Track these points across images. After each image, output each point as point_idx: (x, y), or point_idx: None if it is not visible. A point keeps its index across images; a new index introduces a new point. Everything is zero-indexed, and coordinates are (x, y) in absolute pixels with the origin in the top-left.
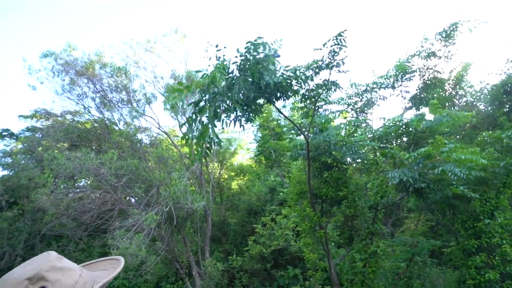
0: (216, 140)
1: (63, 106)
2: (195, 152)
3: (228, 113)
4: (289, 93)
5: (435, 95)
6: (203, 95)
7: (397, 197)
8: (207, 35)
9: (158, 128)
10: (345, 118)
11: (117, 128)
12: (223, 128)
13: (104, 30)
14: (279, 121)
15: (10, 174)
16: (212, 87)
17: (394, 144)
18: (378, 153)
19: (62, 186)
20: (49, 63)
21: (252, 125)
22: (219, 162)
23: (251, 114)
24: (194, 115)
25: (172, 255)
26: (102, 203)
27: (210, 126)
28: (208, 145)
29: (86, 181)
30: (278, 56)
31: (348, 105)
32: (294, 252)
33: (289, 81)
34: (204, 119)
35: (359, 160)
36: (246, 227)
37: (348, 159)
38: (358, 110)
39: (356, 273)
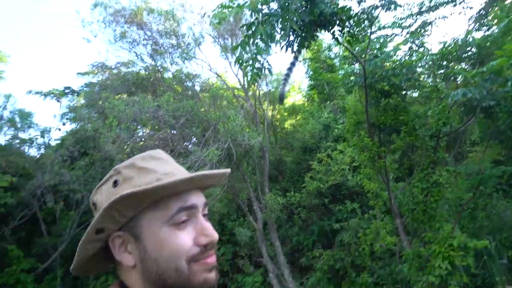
0: (268, 65)
1: (117, 56)
2: (250, 75)
3: (282, 37)
4: (346, 21)
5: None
6: (256, 16)
7: (461, 123)
8: None
9: (210, 70)
10: (401, 44)
11: (170, 73)
12: (275, 53)
13: None
14: (330, 53)
15: (78, 127)
16: (264, 8)
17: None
18: (438, 79)
19: (124, 132)
20: (100, 14)
21: (303, 59)
22: (271, 103)
23: (305, 40)
24: (246, 38)
25: (233, 191)
26: (163, 145)
27: (263, 48)
28: (258, 70)
29: (146, 126)
30: None
31: (403, 28)
32: (352, 187)
33: (347, 9)
34: (258, 41)
35: (418, 86)
36: (302, 164)
37: (407, 85)
38: (414, 33)
39: (417, 203)
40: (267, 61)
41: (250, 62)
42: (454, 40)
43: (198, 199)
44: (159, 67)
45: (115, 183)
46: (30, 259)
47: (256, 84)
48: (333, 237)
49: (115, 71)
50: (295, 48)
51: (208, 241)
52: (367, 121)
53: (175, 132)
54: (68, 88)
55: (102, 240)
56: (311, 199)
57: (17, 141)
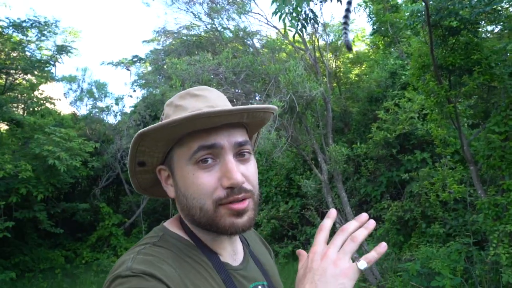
0: (312, 15)
1: (175, 18)
2: (289, 28)
3: None
4: None
5: None
6: None
7: None
8: None
9: (267, 24)
10: None
11: (228, 31)
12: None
13: None
14: None
15: (147, 93)
16: None
17: None
18: None
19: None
20: None
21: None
22: (333, 54)
23: None
24: None
25: (297, 143)
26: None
27: None
28: (303, 22)
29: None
30: None
31: None
32: (421, 136)
33: None
34: None
35: (494, 17)
36: (368, 115)
37: (480, 17)
38: None
39: (493, 148)
40: (311, 10)
41: (291, 13)
42: None
43: (226, 137)
44: (217, 26)
45: (159, 120)
46: (118, 215)
47: (299, 34)
48: (402, 188)
49: (176, 36)
50: None
51: (229, 184)
52: (433, 63)
53: (238, 90)
54: (136, 56)
55: (150, 172)
56: (378, 150)
57: (96, 110)
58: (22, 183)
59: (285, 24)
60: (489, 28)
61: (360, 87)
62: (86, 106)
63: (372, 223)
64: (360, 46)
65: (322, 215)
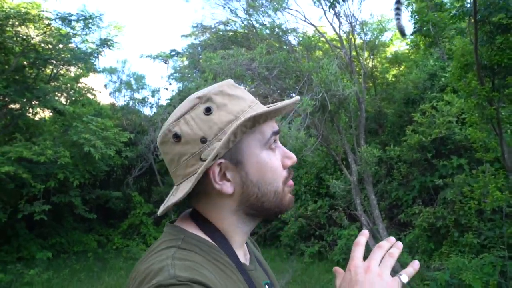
0: None
1: (212, 13)
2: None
3: None
4: None
5: None
6: None
7: None
8: None
9: (304, 21)
10: None
11: (264, 28)
12: None
13: None
14: None
15: (182, 86)
16: None
17: None
18: None
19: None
20: None
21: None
22: (370, 51)
23: None
24: None
25: (327, 143)
26: (258, 95)
27: None
28: None
29: (243, 81)
30: None
31: None
32: (459, 141)
33: None
34: None
35: None
36: (404, 117)
37: None
38: None
39: None
40: None
41: None
42: None
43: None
44: (253, 22)
45: (208, 111)
46: (149, 204)
47: (335, 4)
48: (435, 193)
49: (214, 30)
50: None
51: (292, 162)
52: (477, 61)
53: (271, 86)
54: (174, 50)
55: None
56: (412, 154)
57: (133, 101)
58: (61, 169)
59: None
60: None
61: (397, 88)
62: (124, 97)
63: (400, 245)
64: (400, 46)
65: (350, 217)
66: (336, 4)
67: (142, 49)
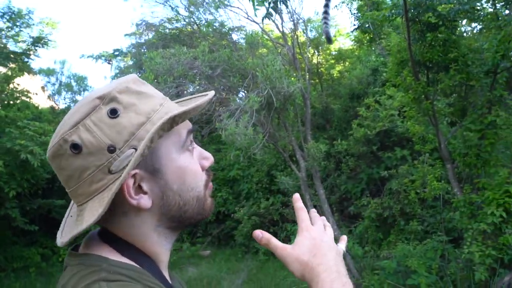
0: None
1: (153, 12)
2: (257, 7)
3: None
4: None
5: None
6: None
7: None
8: None
9: (247, 18)
10: None
11: (206, 26)
12: None
13: None
14: None
15: None
16: None
17: None
18: (498, 4)
19: (163, 83)
20: None
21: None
22: (314, 48)
23: None
24: None
25: (275, 140)
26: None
27: None
28: (274, 4)
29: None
30: None
31: None
32: (401, 133)
33: None
34: None
35: (472, 15)
36: (349, 112)
37: (458, 15)
38: None
39: (470, 146)
40: None
41: None
42: None
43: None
44: (195, 19)
45: (114, 113)
46: None
47: (268, 17)
48: (382, 185)
49: (158, 28)
50: None
51: (210, 163)
52: (411, 58)
53: (215, 85)
54: (117, 49)
55: None
56: (359, 147)
57: (75, 103)
58: None
59: (253, 2)
60: (468, 27)
61: (342, 84)
62: (65, 99)
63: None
64: (344, 43)
65: None
66: (278, 4)
67: (83, 49)
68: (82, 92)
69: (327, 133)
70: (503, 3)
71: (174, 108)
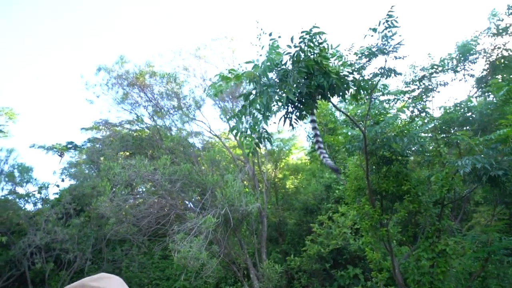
0: (266, 135)
1: (118, 117)
2: (245, 147)
3: (280, 108)
4: (345, 91)
5: (505, 76)
6: (254, 86)
7: (465, 190)
8: (258, 26)
9: (210, 132)
10: (402, 108)
11: (169, 134)
12: (274, 123)
13: (153, 40)
14: (331, 116)
15: (76, 183)
16: (263, 78)
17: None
18: (441, 144)
19: (120, 194)
20: (103, 78)
21: (304, 123)
22: (273, 162)
23: (303, 112)
24: (243, 108)
25: (229, 258)
26: (159, 208)
27: (261, 119)
28: (257, 141)
29: (143, 188)
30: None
31: (404, 93)
32: (354, 251)
33: (345, 81)
34: (255, 111)
35: (420, 152)
36: (303, 226)
37: (409, 151)
38: (415, 98)
39: (423, 273)
40: (266, 131)
41: (248, 132)
42: (455, 105)
43: None
44: (159, 128)
45: None
46: None
47: (253, 153)
48: None
49: (118, 128)
50: (293, 120)
51: None
52: (368, 188)
53: (171, 197)
54: (71, 143)
55: None
56: (311, 264)
57: (14, 196)
58: None
59: (242, 142)
60: (415, 159)
61: (297, 198)
62: (3, 190)
63: None
64: (298, 154)
65: None
66: (262, 141)
67: (36, 139)
68: (25, 184)
69: (280, 246)
70: (444, 144)
71: None
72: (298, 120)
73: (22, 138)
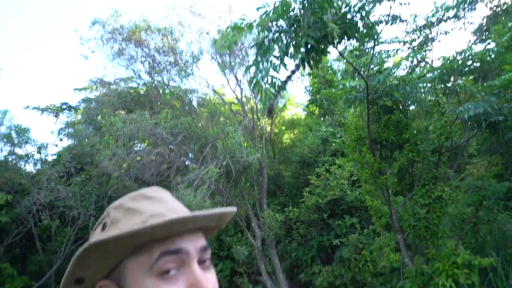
0: (280, 83)
1: (115, 73)
2: (265, 95)
3: (297, 53)
4: (354, 34)
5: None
6: (266, 35)
7: (462, 138)
8: None
9: (207, 87)
10: (405, 58)
11: (168, 90)
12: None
13: None
14: (330, 68)
15: (75, 142)
16: (278, 22)
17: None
18: (440, 94)
19: (121, 149)
20: (98, 32)
21: (302, 75)
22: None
23: (317, 57)
24: (259, 57)
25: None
26: (160, 162)
27: (278, 65)
28: (274, 89)
29: (143, 143)
30: None
31: (405, 43)
32: (350, 202)
33: (355, 22)
34: (272, 58)
35: (420, 101)
36: (300, 179)
37: (410, 100)
38: (416, 48)
39: (419, 219)
40: (279, 80)
41: (266, 80)
42: (456, 54)
43: (191, 243)
44: (156, 84)
45: (104, 226)
46: (24, 276)
47: (271, 105)
48: (332, 252)
49: (114, 86)
50: (308, 64)
51: None
52: (369, 137)
53: (172, 147)
54: (66, 103)
55: None
56: (309, 214)
57: (14, 157)
58: None
59: (261, 93)
60: (414, 108)
61: (294, 152)
62: (1, 152)
63: None
64: (293, 110)
65: (255, 283)
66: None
67: (28, 100)
68: (23, 145)
69: (278, 199)
70: (443, 93)
71: (148, 223)
72: (318, 63)
73: (16, 99)
